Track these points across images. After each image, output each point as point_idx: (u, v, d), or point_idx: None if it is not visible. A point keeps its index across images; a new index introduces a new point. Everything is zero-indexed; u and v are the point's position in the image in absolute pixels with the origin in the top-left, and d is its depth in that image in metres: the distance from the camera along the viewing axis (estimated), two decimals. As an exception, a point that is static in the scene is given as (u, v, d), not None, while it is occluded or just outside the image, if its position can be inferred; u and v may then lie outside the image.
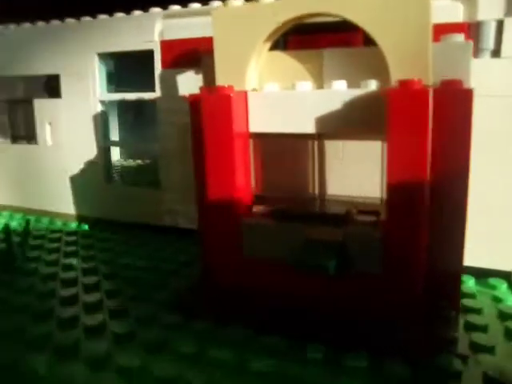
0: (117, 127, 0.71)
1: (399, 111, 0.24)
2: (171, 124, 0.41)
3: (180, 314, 0.30)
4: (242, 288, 0.29)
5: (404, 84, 0.24)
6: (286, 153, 0.31)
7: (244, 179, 0.29)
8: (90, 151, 0.48)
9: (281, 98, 0.28)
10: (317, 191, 0.30)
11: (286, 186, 0.31)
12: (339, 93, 0.26)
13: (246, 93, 0.28)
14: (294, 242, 0.28)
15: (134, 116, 0.72)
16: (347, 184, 0.29)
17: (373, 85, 0.26)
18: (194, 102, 0.29)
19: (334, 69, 0.29)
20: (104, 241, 0.44)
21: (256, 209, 0.30)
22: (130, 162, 0.77)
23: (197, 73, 0.39)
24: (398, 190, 0.25)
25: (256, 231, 0.29)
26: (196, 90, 0.30)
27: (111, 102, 0.48)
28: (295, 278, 0.28)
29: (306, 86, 0.28)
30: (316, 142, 0.29)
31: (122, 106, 0.67)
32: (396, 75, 0.25)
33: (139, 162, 0.77)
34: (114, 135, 0.71)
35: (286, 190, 0.31)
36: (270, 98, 0.28)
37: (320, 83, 0.30)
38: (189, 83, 0.40)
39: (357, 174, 0.29)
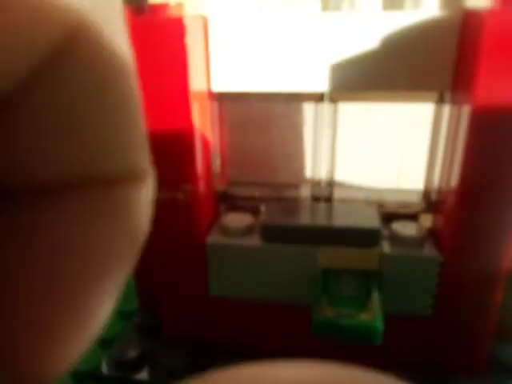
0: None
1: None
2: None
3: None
4: (205, 348, 0.18)
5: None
6: (268, 125, 0.19)
7: (204, 168, 0.17)
8: None
9: (270, 27, 0.15)
10: (319, 185, 0.19)
11: (269, 177, 0.19)
12: (377, 18, 0.15)
13: (205, 18, 0.16)
14: (301, 275, 0.17)
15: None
16: (368, 173, 0.18)
17: (434, 4, 0.15)
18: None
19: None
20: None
21: (227, 218, 0.18)
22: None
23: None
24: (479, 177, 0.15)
25: (230, 257, 0.17)
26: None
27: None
28: (296, 333, 0.17)
29: (313, 5, 0.16)
30: (322, 107, 0.18)
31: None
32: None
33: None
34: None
35: (269, 185, 0.19)
36: (249, 29, 0.15)
37: (325, 2, 0.18)
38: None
39: (385, 156, 0.18)
